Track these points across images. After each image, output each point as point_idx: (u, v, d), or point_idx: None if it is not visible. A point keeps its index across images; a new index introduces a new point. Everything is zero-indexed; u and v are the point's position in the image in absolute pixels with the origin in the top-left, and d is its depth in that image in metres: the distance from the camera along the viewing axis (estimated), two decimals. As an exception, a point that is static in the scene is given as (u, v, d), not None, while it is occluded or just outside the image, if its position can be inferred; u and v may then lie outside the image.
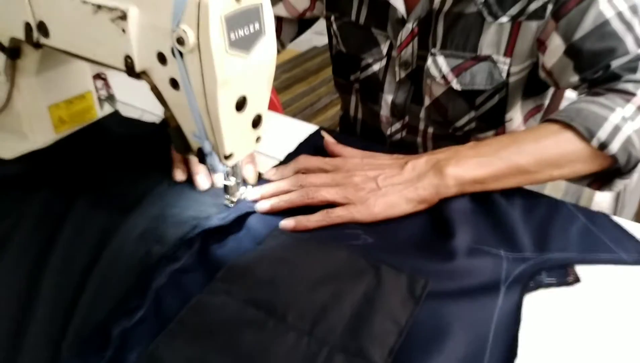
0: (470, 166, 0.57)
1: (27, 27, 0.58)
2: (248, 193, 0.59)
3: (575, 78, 0.64)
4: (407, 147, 0.85)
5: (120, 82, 0.79)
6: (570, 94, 0.82)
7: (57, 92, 0.71)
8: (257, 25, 0.46)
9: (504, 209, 0.57)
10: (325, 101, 2.64)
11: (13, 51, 0.63)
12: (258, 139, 0.55)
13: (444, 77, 0.72)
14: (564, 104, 0.90)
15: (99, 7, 0.50)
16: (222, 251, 0.53)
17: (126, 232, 0.54)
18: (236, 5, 0.43)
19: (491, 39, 0.68)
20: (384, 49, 0.77)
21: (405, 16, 0.72)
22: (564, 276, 0.50)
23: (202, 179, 0.62)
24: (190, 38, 0.43)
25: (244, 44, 0.46)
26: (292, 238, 0.54)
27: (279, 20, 0.88)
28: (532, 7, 0.64)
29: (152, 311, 0.46)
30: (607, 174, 0.60)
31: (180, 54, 0.45)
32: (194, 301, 0.46)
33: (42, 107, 0.70)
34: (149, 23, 0.48)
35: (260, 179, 0.63)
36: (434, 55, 0.72)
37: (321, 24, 0.91)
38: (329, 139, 0.67)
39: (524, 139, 0.58)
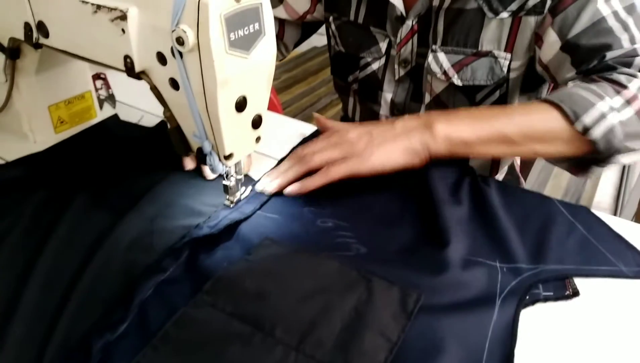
0: (460, 127, 0.59)
1: (27, 27, 0.58)
2: (257, 186, 0.61)
3: (572, 73, 0.65)
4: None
5: (120, 82, 0.79)
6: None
7: (56, 92, 0.71)
8: (256, 25, 0.46)
9: (500, 218, 0.56)
10: (325, 101, 2.65)
11: (13, 51, 0.63)
12: (258, 139, 0.55)
13: (445, 73, 0.73)
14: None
15: (99, 7, 0.50)
16: (211, 261, 0.51)
17: (115, 240, 0.53)
18: (236, 5, 0.43)
19: (492, 35, 0.69)
20: (383, 47, 0.78)
21: (404, 14, 0.73)
22: (562, 289, 0.49)
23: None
24: (190, 38, 0.43)
25: (244, 44, 0.46)
26: (283, 247, 0.52)
27: (281, 23, 0.88)
28: (532, 2, 0.65)
29: (136, 324, 0.45)
30: (586, 160, 0.61)
31: (180, 54, 0.45)
32: (179, 314, 0.45)
33: (41, 107, 0.70)
34: (149, 23, 0.48)
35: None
36: (434, 51, 0.73)
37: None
38: (320, 117, 0.68)
39: (514, 111, 0.62)
